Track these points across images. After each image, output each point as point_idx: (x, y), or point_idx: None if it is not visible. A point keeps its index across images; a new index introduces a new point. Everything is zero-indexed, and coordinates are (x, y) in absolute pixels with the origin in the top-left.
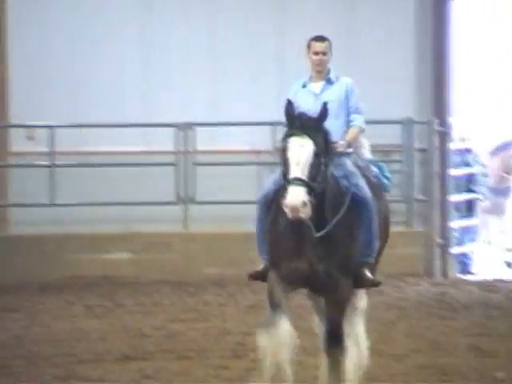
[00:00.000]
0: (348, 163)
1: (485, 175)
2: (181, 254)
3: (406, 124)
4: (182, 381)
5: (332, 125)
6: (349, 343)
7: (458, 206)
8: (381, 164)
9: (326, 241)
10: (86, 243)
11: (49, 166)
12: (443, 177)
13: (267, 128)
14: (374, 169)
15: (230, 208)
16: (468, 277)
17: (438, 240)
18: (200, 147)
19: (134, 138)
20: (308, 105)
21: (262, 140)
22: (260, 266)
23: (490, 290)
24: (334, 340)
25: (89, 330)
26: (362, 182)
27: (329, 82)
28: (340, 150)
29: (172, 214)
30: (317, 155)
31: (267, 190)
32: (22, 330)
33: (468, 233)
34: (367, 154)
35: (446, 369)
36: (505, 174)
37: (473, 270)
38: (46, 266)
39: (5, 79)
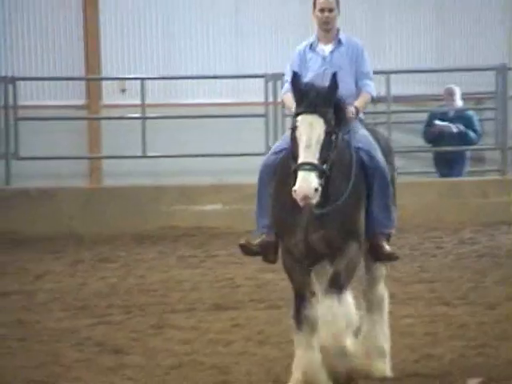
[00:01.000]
0: (360, 130)
1: None
2: None
3: (500, 70)
4: (272, 330)
5: (341, 89)
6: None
7: None
8: (471, 114)
9: (332, 215)
10: (178, 195)
11: (140, 118)
12: None
13: None
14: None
15: None
16: None
17: None
18: None
19: (224, 90)
20: (316, 69)
21: None
22: (256, 238)
23: None
24: (338, 290)
25: (182, 280)
26: (376, 150)
27: (339, 43)
28: (350, 115)
29: None
30: (328, 133)
31: (267, 159)
32: (117, 279)
33: None
34: (459, 101)
35: None
36: None
37: None
38: (139, 217)
39: (98, 34)
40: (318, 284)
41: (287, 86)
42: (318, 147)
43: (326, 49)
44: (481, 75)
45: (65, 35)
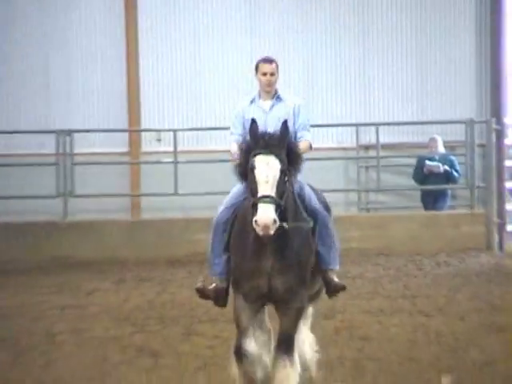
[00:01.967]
0: (303, 183)
1: None
2: None
3: (469, 124)
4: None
5: None
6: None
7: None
8: (453, 158)
9: (283, 255)
10: (203, 225)
11: (173, 163)
12: (499, 167)
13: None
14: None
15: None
16: None
17: (496, 219)
18: None
19: None
20: (258, 121)
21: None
22: (211, 284)
23: None
24: (288, 351)
25: None
26: (316, 200)
27: (278, 99)
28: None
29: None
30: (282, 172)
31: (222, 214)
32: (154, 295)
33: None
34: (441, 148)
35: (502, 326)
36: None
37: None
38: (172, 244)
39: (138, 92)
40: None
41: (233, 136)
42: (275, 184)
43: (266, 104)
44: (453, 127)
45: (112, 93)
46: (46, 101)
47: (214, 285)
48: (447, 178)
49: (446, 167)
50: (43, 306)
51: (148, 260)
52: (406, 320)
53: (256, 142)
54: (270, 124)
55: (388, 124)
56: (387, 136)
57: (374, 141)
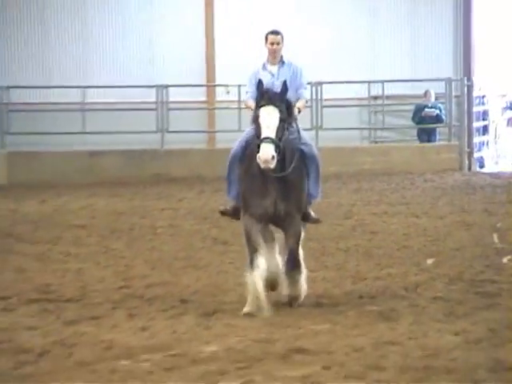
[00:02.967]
0: (301, 130)
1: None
2: None
3: (447, 81)
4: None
5: None
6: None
7: (477, 128)
8: (441, 106)
9: (285, 186)
10: None
11: (237, 109)
12: (469, 112)
13: None
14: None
15: None
16: (482, 170)
17: (466, 149)
18: None
19: None
20: (267, 82)
21: None
22: (229, 205)
23: (496, 178)
24: (294, 264)
25: None
26: (312, 145)
27: (282, 64)
28: (296, 112)
29: None
30: (281, 120)
31: (237, 148)
32: (225, 201)
33: (483, 144)
34: (433, 98)
35: (469, 223)
36: None
37: (485, 166)
38: None
39: (214, 53)
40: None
41: (248, 93)
42: (275, 128)
43: (274, 68)
44: (437, 83)
45: (193, 55)
46: (149, 61)
47: (232, 205)
48: (437, 119)
49: (437, 112)
50: (148, 208)
51: (220, 177)
52: (402, 219)
53: (262, 96)
54: (277, 84)
55: (391, 81)
56: (390, 89)
57: (380, 93)
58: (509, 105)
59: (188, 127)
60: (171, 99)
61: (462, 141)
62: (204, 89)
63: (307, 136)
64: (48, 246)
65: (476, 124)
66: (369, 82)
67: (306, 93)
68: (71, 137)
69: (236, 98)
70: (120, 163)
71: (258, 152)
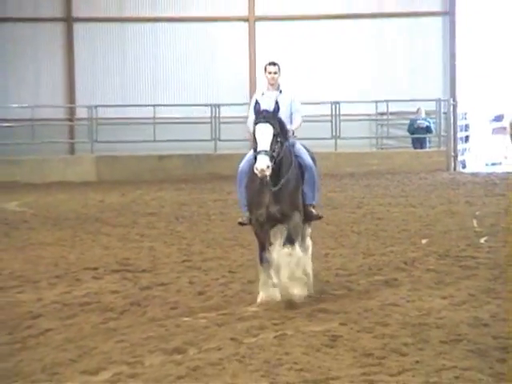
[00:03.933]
0: (296, 143)
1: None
2: None
3: (437, 101)
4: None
5: (282, 118)
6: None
7: (461, 138)
8: (430, 120)
9: (278, 194)
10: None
11: None
12: (454, 125)
13: None
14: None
15: None
16: (465, 170)
17: (452, 154)
18: None
19: None
20: (267, 107)
21: None
22: (243, 217)
23: (475, 176)
24: (290, 244)
25: None
26: (306, 154)
27: (280, 92)
28: (289, 132)
29: None
30: (275, 135)
31: (243, 165)
32: None
33: (465, 150)
34: (423, 114)
35: (454, 212)
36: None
37: (467, 168)
38: None
39: (255, 76)
40: (273, 239)
41: (250, 118)
42: (269, 142)
43: (273, 95)
44: (429, 102)
45: (237, 75)
46: (206, 81)
47: (247, 215)
48: (427, 130)
49: (427, 124)
50: (204, 199)
51: None
52: (402, 209)
53: (257, 115)
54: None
55: (393, 101)
56: (392, 107)
57: (385, 110)
58: (494, 117)
59: (235, 137)
60: (222, 115)
61: (448, 147)
62: (247, 106)
63: (304, 147)
64: (127, 228)
65: (460, 134)
66: (376, 102)
67: (300, 117)
68: (144, 144)
69: None
70: (182, 164)
71: (255, 163)
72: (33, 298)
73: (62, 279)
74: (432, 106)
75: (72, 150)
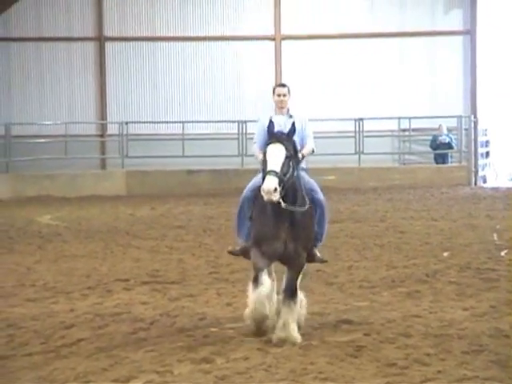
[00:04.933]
0: (306, 175)
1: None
2: None
3: (458, 118)
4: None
5: None
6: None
7: (481, 153)
8: (451, 136)
9: (295, 226)
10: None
11: None
12: (475, 141)
13: None
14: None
15: None
16: (486, 185)
17: (473, 169)
18: None
19: None
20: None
21: None
22: (238, 246)
23: (496, 191)
24: (292, 295)
25: None
26: (316, 186)
27: (289, 116)
28: (300, 157)
29: None
30: (287, 157)
31: (247, 191)
32: None
33: (486, 165)
34: (445, 130)
35: (475, 225)
36: None
37: (488, 182)
38: None
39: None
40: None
41: (255, 143)
42: (280, 163)
43: (281, 119)
44: (450, 119)
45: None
46: (233, 98)
47: (242, 245)
48: (449, 146)
49: (449, 140)
50: (230, 213)
51: None
52: (424, 222)
53: (270, 136)
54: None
55: (415, 117)
56: (414, 123)
57: (407, 126)
58: None
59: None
60: (249, 131)
61: (469, 163)
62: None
63: (312, 182)
64: (157, 241)
65: (480, 150)
66: (399, 118)
67: (311, 142)
68: (173, 159)
69: None
70: (210, 179)
71: (262, 184)
72: (66, 308)
73: (94, 290)
74: (453, 123)
75: (103, 165)
